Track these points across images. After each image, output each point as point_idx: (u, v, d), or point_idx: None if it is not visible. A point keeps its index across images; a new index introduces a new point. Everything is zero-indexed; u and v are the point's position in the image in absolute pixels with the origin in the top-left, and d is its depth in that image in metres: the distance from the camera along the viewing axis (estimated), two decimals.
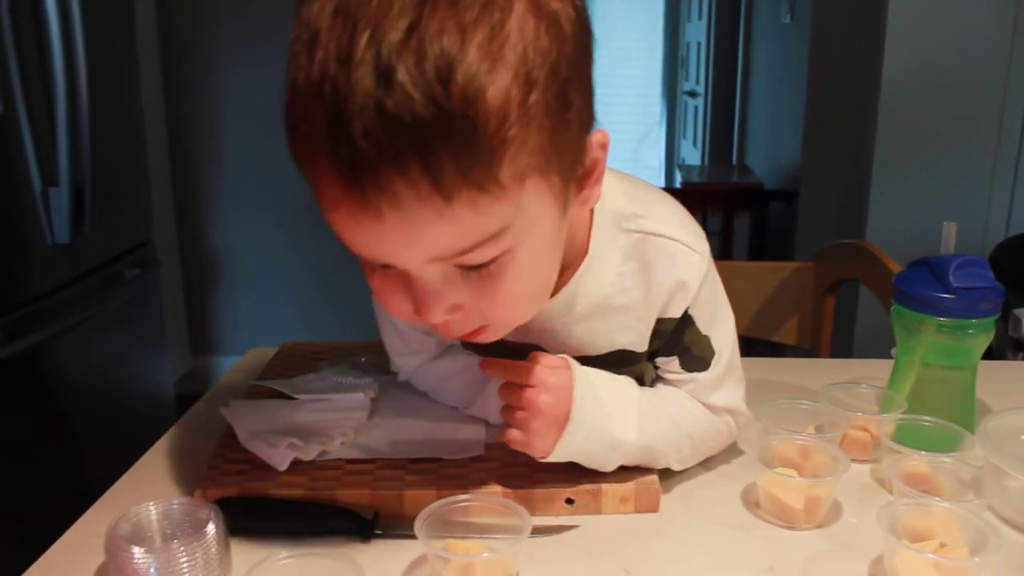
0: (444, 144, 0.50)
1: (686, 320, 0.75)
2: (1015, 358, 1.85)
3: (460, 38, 0.49)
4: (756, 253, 3.64)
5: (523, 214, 0.56)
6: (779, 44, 3.73)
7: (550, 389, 0.69)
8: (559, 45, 0.54)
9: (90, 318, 1.79)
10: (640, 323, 0.75)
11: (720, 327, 0.77)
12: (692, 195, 3.69)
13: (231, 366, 1.04)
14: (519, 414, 0.70)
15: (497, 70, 0.51)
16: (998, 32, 2.29)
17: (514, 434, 0.70)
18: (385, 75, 0.49)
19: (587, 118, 0.60)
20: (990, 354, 2.10)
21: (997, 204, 2.41)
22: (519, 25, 0.52)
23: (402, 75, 0.48)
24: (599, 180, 0.65)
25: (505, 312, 0.62)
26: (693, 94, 5.50)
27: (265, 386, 0.89)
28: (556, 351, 0.74)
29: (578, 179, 0.62)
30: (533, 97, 0.53)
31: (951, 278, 0.77)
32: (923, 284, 0.79)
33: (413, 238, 0.54)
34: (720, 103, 4.88)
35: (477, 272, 0.58)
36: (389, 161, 0.50)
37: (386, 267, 0.59)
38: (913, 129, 2.39)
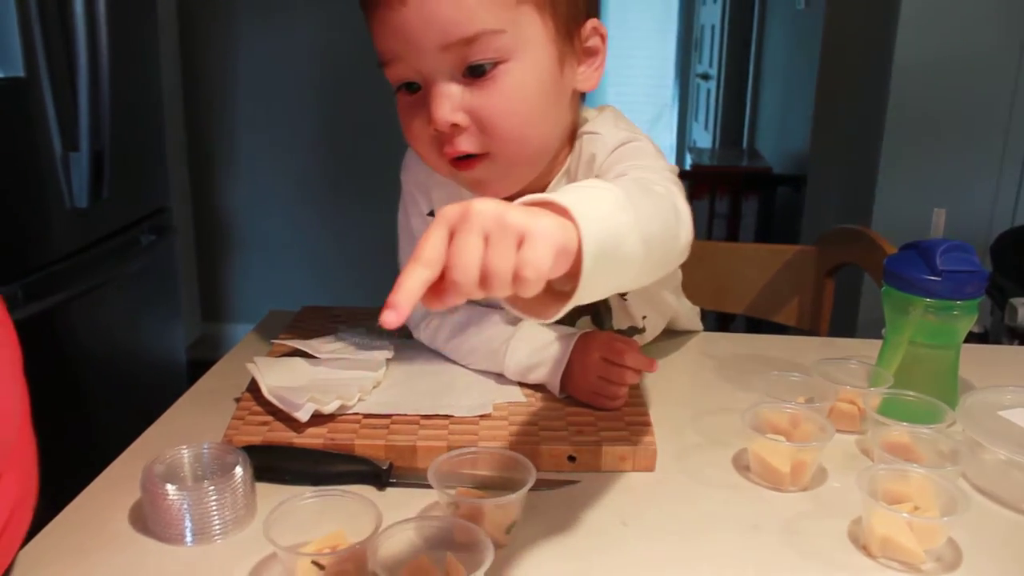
0: None
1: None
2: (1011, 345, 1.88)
3: None
4: (762, 237, 3.67)
5: (518, 30, 0.73)
6: (793, 30, 3.74)
7: None
8: None
9: (106, 283, 1.82)
10: None
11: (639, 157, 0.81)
12: (702, 177, 3.74)
13: (241, 332, 1.08)
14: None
15: None
16: (1011, 23, 2.30)
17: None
18: None
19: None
20: (986, 340, 2.11)
21: (1004, 195, 2.43)
22: None
23: None
24: (599, 68, 0.81)
25: (500, 126, 0.75)
26: (706, 77, 5.51)
27: (287, 344, 0.94)
28: None
29: (576, 52, 0.79)
30: None
31: (938, 261, 0.81)
32: (912, 267, 0.83)
33: (429, 21, 0.70)
34: (732, 87, 4.89)
35: (479, 81, 0.73)
36: None
37: (411, 90, 0.76)
38: (922, 118, 2.40)
